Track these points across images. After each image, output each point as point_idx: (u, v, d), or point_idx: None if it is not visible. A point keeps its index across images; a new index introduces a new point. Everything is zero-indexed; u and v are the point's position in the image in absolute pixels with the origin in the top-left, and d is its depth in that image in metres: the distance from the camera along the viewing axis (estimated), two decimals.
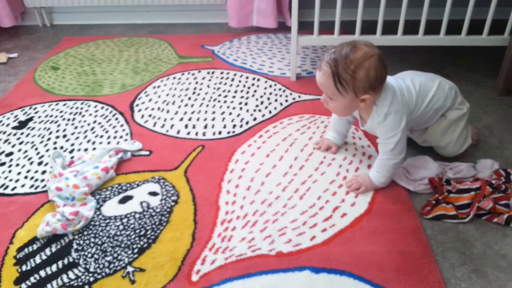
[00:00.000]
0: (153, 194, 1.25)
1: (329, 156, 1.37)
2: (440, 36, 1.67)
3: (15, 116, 1.66)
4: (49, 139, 1.52)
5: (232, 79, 1.86)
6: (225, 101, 1.70)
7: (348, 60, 1.08)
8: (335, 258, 1.04)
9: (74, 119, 1.63)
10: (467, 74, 1.84)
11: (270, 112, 1.62)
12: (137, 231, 1.13)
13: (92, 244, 1.10)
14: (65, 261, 1.06)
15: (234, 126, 1.55)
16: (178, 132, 1.53)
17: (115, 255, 1.06)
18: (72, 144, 1.49)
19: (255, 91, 1.76)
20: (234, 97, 1.72)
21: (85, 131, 1.55)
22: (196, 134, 1.51)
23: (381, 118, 1.15)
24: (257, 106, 1.66)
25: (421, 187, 1.21)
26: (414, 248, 1.05)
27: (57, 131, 1.56)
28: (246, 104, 1.68)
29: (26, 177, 1.34)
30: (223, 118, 1.59)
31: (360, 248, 1.06)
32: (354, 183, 1.24)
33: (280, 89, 1.76)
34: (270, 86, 1.79)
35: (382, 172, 1.20)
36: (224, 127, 1.54)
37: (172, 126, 1.56)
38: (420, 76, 1.26)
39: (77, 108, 1.70)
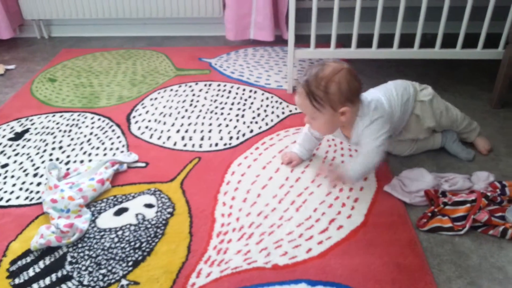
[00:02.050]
0: (149, 206, 1.24)
1: (325, 169, 1.37)
2: (436, 49, 1.68)
3: (11, 128, 1.66)
4: (45, 150, 1.52)
5: (229, 91, 1.86)
6: (221, 113, 1.70)
7: (319, 78, 1.13)
8: (332, 270, 1.03)
9: (70, 130, 1.63)
10: (462, 87, 1.85)
11: (266, 124, 1.62)
12: (132, 243, 1.12)
13: (86, 257, 1.09)
14: (59, 274, 1.05)
15: (231, 138, 1.55)
16: (175, 144, 1.53)
17: (110, 268, 1.05)
18: (68, 156, 1.48)
19: (252, 103, 1.77)
20: (231, 109, 1.73)
21: (82, 143, 1.55)
22: (193, 146, 1.51)
23: (366, 123, 1.20)
24: (253, 118, 1.67)
25: (417, 199, 1.21)
26: (410, 260, 1.05)
27: (53, 142, 1.56)
28: (243, 116, 1.68)
29: (21, 189, 1.34)
30: (220, 130, 1.60)
31: (356, 260, 1.05)
32: (329, 174, 1.26)
33: (277, 101, 1.77)
34: (267, 98, 1.80)
35: (363, 163, 1.21)
36: (221, 139, 1.55)
37: (168, 138, 1.56)
38: (381, 88, 1.35)
39: (73, 119, 1.70)
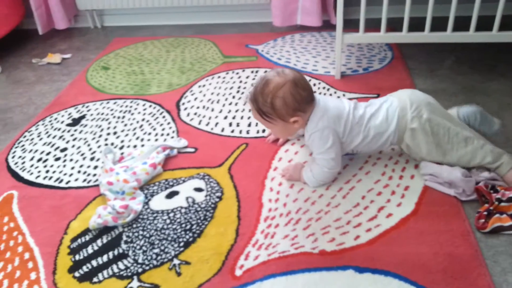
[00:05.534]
0: (198, 190, 1.28)
1: (375, 156, 1.35)
2: (493, 32, 1.60)
3: (69, 114, 1.74)
4: (100, 135, 1.59)
5: None
6: None
7: (264, 95, 1.18)
8: (380, 258, 1.02)
9: (124, 117, 1.69)
10: None
11: None
12: (183, 225, 1.16)
13: (140, 237, 1.14)
14: (115, 252, 1.10)
15: None
16: (223, 130, 1.56)
17: (162, 247, 1.10)
18: (122, 141, 1.55)
19: None
20: None
21: (134, 129, 1.61)
22: (240, 132, 1.53)
23: (308, 134, 1.22)
24: None
25: (465, 197, 1.16)
26: (462, 250, 1.02)
27: (108, 128, 1.63)
28: None
29: (79, 172, 1.41)
30: None
31: (405, 249, 1.04)
32: (286, 172, 1.29)
33: (324, 88, 1.76)
34: (314, 84, 1.79)
35: (316, 176, 1.24)
36: None
37: (216, 124, 1.59)
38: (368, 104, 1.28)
39: (126, 106, 1.76)
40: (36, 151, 1.53)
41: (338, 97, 1.67)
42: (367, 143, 1.25)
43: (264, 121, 1.22)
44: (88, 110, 1.76)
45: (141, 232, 1.15)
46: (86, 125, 1.66)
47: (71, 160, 1.47)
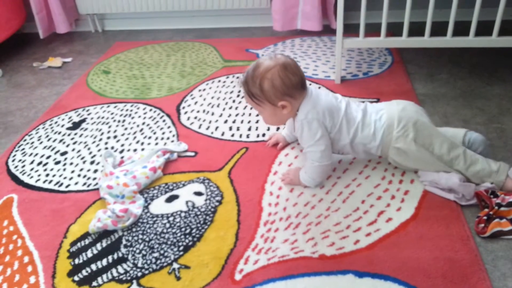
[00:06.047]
0: (198, 194, 1.28)
1: (374, 160, 1.35)
2: (493, 37, 1.60)
3: (69, 118, 1.75)
4: (100, 139, 1.59)
5: None
6: None
7: (254, 77, 1.20)
8: (380, 262, 1.02)
9: (124, 120, 1.69)
10: None
11: None
12: (183, 229, 1.16)
13: (140, 241, 1.14)
14: (115, 256, 1.10)
15: (278, 128, 1.56)
16: (223, 134, 1.56)
17: (162, 251, 1.10)
18: (122, 145, 1.55)
19: None
20: None
21: (135, 132, 1.61)
22: (240, 136, 1.54)
23: (298, 124, 1.23)
24: None
25: (465, 201, 1.16)
26: (462, 255, 1.02)
27: (108, 132, 1.63)
28: None
29: (79, 175, 1.41)
30: None
31: (405, 253, 1.04)
32: (286, 177, 1.30)
33: None
34: None
35: (309, 174, 1.25)
36: (268, 129, 1.56)
37: (216, 128, 1.59)
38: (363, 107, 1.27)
39: (127, 110, 1.77)
40: (36, 154, 1.54)
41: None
42: (353, 148, 1.26)
43: (254, 104, 1.24)
44: (88, 114, 1.76)
45: (140, 236, 1.15)
46: (86, 129, 1.66)
47: (71, 163, 1.48)
